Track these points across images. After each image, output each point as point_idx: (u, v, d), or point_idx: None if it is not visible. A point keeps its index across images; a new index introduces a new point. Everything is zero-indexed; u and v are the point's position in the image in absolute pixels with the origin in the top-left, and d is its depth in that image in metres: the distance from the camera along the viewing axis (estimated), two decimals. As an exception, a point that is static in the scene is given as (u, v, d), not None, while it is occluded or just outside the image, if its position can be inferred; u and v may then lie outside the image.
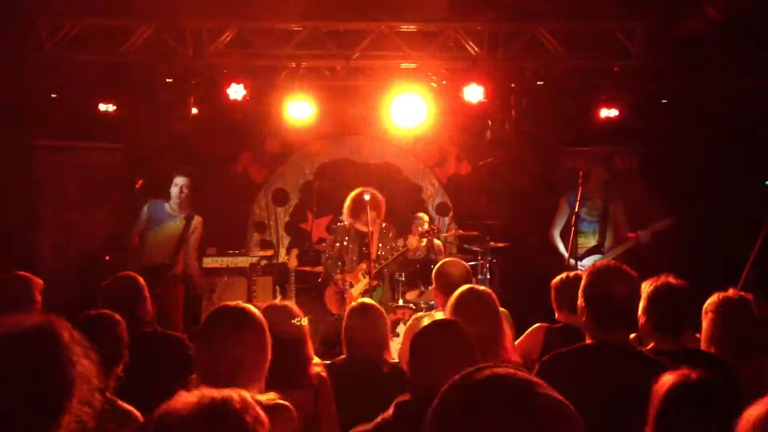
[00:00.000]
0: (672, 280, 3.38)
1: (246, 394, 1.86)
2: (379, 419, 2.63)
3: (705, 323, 3.54)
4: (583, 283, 3.01)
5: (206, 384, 1.97)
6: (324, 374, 3.57)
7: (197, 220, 7.28)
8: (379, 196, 6.87)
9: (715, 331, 3.47)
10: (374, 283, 6.67)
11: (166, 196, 7.22)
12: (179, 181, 7.13)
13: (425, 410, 1.26)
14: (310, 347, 3.66)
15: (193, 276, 7.36)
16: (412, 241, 6.75)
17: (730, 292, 3.51)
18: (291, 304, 3.73)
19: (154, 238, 7.02)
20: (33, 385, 1.98)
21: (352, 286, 6.95)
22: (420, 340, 2.81)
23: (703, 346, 3.54)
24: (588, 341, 2.97)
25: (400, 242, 7.09)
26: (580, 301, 3.00)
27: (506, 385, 1.20)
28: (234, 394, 1.84)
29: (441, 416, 1.21)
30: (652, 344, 3.31)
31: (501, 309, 5.01)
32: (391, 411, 2.61)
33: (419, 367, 2.73)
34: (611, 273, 2.96)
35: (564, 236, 6.81)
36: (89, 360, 2.09)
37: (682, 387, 2.17)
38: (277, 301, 3.71)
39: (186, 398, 1.80)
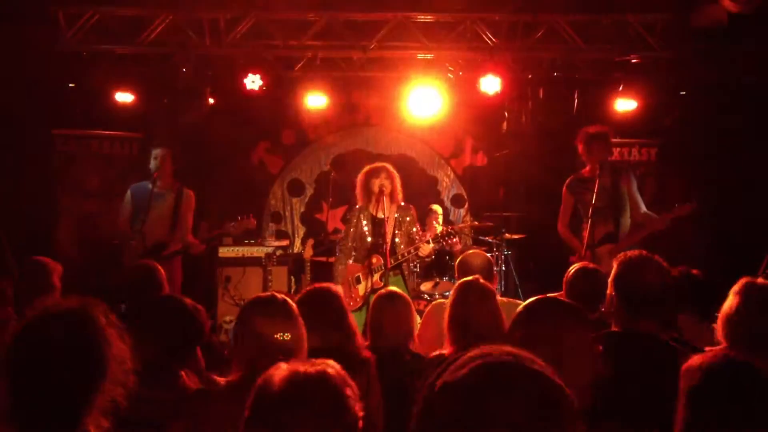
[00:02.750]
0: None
1: (334, 363, 1.86)
2: None
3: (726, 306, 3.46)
4: (613, 272, 2.99)
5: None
6: (371, 359, 3.56)
7: (187, 194, 6.91)
8: (394, 171, 6.52)
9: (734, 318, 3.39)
10: (379, 284, 6.12)
11: (148, 176, 6.85)
12: (156, 153, 6.78)
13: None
14: (359, 333, 3.66)
15: (191, 248, 6.89)
16: (425, 249, 6.42)
17: (760, 280, 3.43)
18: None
19: (149, 222, 6.62)
20: (69, 364, 2.03)
21: (359, 281, 6.45)
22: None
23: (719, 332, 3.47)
24: (613, 329, 2.96)
25: (415, 241, 6.62)
26: (609, 290, 2.98)
27: (490, 361, 1.25)
28: (324, 365, 1.84)
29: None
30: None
31: (517, 302, 5.02)
32: None
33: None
34: (643, 263, 2.93)
35: (572, 227, 6.61)
36: (124, 343, 2.14)
37: (725, 365, 2.12)
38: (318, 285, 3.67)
39: (279, 373, 1.80)
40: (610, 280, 2.99)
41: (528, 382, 1.21)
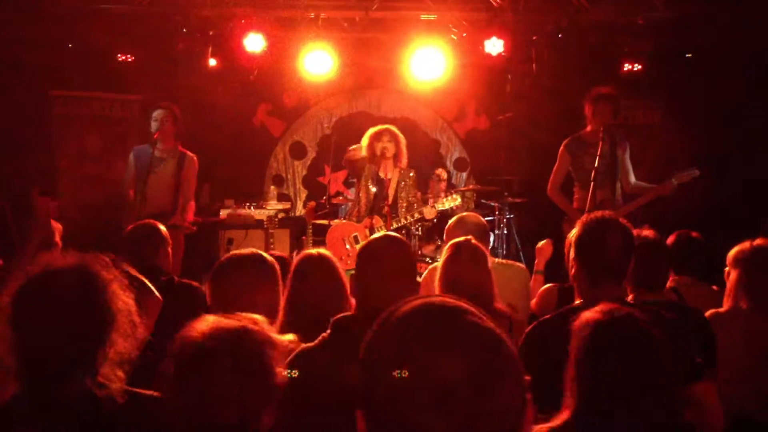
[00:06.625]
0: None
1: (258, 318, 1.93)
2: (320, 338, 2.60)
3: (735, 273, 3.42)
4: (575, 234, 2.91)
5: None
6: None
7: (190, 158, 6.74)
8: (399, 134, 6.53)
9: (749, 281, 3.35)
10: None
11: (151, 139, 6.66)
12: (156, 114, 6.61)
13: (366, 325, 1.26)
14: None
15: (182, 229, 6.66)
16: (429, 212, 6.38)
17: (760, 241, 3.38)
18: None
19: (149, 186, 6.42)
20: (76, 318, 2.04)
21: (357, 241, 6.46)
22: (364, 255, 2.78)
23: (727, 297, 3.45)
24: (576, 301, 2.89)
25: (417, 207, 6.63)
26: (571, 254, 2.91)
27: (435, 312, 1.20)
28: (246, 317, 1.91)
29: (376, 344, 1.22)
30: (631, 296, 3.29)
31: (519, 264, 5.02)
32: (329, 329, 2.59)
33: (363, 281, 2.72)
34: (604, 224, 2.85)
35: (565, 190, 6.52)
36: (129, 297, 2.15)
37: (609, 325, 2.06)
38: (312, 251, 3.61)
39: (200, 323, 1.88)
40: (572, 242, 2.92)
41: (469, 339, 1.17)
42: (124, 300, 2.15)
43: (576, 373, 2.04)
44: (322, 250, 3.57)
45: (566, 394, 2.05)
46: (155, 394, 2.15)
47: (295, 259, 3.55)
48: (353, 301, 3.53)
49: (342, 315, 2.63)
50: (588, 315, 2.09)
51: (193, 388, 1.83)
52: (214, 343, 1.83)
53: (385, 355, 1.18)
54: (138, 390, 2.15)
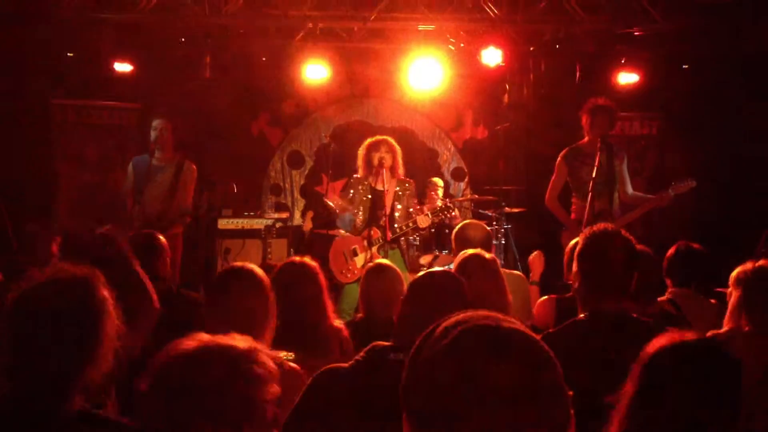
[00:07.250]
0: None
1: (255, 343, 1.75)
2: (353, 361, 2.50)
3: (736, 293, 3.42)
4: (578, 247, 2.92)
5: None
6: (348, 339, 3.56)
7: (189, 166, 6.84)
8: (395, 145, 6.53)
9: (749, 302, 3.36)
10: (377, 257, 6.05)
11: (150, 150, 6.76)
12: (156, 124, 6.72)
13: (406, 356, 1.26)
14: (330, 312, 3.58)
15: (192, 216, 6.85)
16: (422, 220, 6.43)
17: (763, 261, 3.39)
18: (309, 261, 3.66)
19: (146, 194, 6.57)
20: (68, 332, 2.04)
21: (356, 254, 6.47)
22: (417, 288, 2.71)
23: (728, 318, 3.45)
24: (579, 315, 2.89)
25: (412, 216, 6.55)
26: (573, 267, 2.93)
27: (483, 322, 1.22)
28: (240, 340, 1.73)
29: (425, 351, 1.23)
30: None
31: (518, 273, 5.03)
32: (362, 354, 2.49)
33: (411, 314, 2.60)
34: (608, 238, 2.85)
35: (562, 201, 6.53)
36: (118, 319, 2.14)
37: (675, 349, 2.02)
38: (296, 258, 3.65)
39: (188, 341, 1.73)
40: (574, 255, 2.93)
41: (516, 345, 1.19)
42: (113, 322, 2.13)
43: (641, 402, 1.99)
44: (306, 259, 3.62)
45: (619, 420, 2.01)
46: (111, 418, 2.13)
47: (278, 265, 3.61)
48: (331, 309, 3.59)
49: (381, 343, 2.57)
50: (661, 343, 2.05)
51: (169, 414, 1.63)
52: (202, 367, 1.65)
53: (434, 360, 1.19)
54: (96, 412, 2.09)
